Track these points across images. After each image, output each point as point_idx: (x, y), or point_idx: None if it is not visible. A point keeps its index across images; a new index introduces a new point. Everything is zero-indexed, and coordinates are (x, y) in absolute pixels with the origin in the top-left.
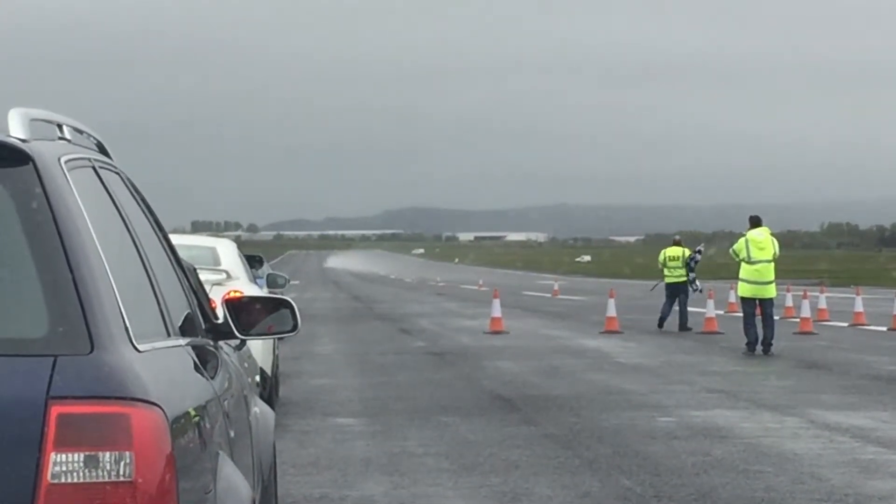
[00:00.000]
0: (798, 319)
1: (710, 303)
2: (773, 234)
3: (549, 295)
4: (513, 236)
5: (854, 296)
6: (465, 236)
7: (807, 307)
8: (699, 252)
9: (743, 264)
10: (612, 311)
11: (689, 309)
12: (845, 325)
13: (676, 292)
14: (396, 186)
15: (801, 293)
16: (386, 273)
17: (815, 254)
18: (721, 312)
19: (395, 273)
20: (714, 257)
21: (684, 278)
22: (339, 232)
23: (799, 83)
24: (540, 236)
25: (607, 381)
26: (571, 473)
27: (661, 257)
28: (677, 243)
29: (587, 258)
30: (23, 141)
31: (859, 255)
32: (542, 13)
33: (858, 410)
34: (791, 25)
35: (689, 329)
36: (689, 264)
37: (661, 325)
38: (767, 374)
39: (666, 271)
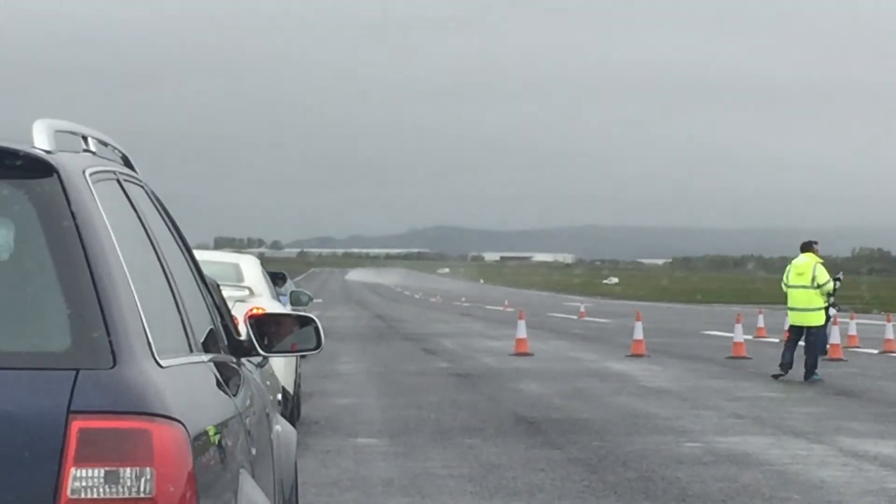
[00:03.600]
0: (828, 346)
1: (738, 327)
2: (821, 262)
3: (575, 317)
4: (539, 257)
5: (885, 323)
6: (491, 256)
7: (836, 333)
8: (839, 280)
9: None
10: (638, 335)
11: (722, 333)
12: (875, 352)
13: None
14: (422, 205)
15: (831, 319)
16: (410, 293)
17: (846, 279)
18: (749, 337)
19: (420, 293)
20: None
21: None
22: (364, 250)
23: (831, 105)
24: (567, 257)
25: (633, 404)
26: (596, 498)
27: None
28: None
29: (614, 280)
30: (47, 152)
31: (891, 282)
32: (573, 31)
33: (888, 439)
34: (824, 48)
35: (825, 354)
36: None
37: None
38: (795, 401)
39: None
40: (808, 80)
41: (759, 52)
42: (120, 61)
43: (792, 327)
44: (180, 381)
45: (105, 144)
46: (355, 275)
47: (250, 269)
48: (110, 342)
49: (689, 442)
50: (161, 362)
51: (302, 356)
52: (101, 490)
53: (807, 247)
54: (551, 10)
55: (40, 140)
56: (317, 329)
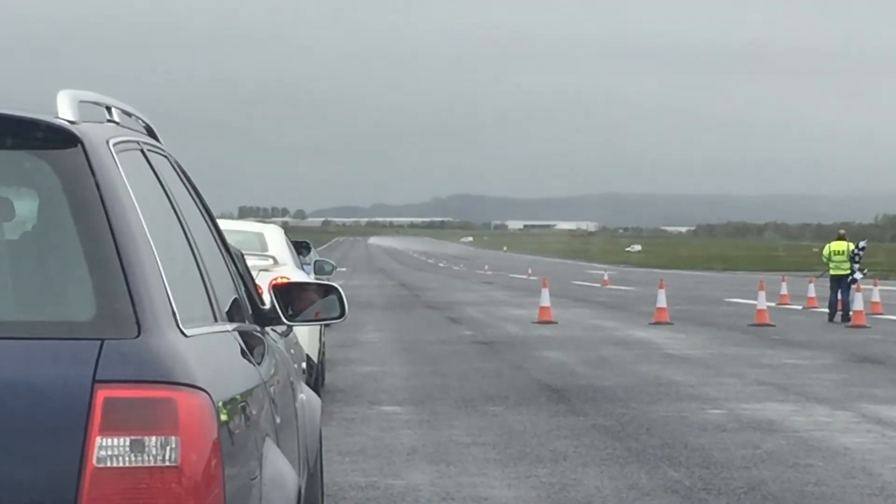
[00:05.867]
0: (851, 312)
1: (761, 294)
2: None
3: (598, 285)
4: (562, 225)
5: None
6: (515, 224)
7: (860, 300)
8: (862, 249)
9: None
10: (662, 302)
11: (745, 301)
12: None
13: (841, 284)
14: (445, 174)
15: (855, 286)
16: (434, 261)
17: (869, 246)
18: (772, 304)
19: (444, 261)
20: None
21: (848, 271)
22: (388, 219)
23: (853, 73)
24: (590, 225)
25: (657, 372)
26: (619, 465)
27: (826, 251)
28: (842, 238)
29: (637, 248)
30: (71, 123)
31: None
32: None
33: None
34: (847, 17)
35: (848, 320)
36: (853, 258)
37: (832, 317)
38: (819, 368)
39: (831, 264)
40: (829, 48)
41: (782, 20)
42: (141, 33)
43: None
44: (205, 351)
45: (129, 115)
46: (377, 240)
47: (274, 238)
48: (135, 312)
49: (713, 409)
50: (186, 331)
51: (326, 325)
52: (126, 458)
53: None
54: None
55: (64, 110)
56: (340, 298)
